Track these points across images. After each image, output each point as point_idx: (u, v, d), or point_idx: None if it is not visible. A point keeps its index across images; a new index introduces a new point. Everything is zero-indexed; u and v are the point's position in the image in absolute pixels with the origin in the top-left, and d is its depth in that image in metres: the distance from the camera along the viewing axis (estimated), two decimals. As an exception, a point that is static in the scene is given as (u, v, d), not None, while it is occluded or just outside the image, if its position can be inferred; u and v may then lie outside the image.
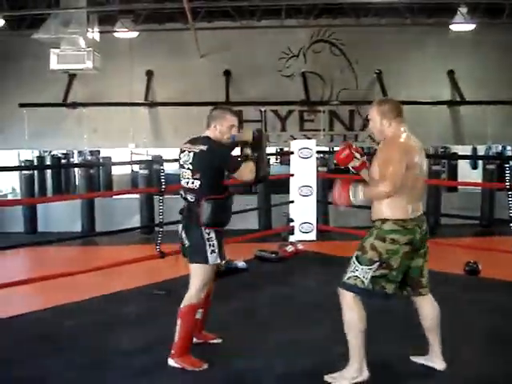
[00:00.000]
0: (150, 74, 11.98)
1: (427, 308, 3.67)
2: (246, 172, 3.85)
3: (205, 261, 3.82)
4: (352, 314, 3.49)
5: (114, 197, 11.84)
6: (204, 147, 3.82)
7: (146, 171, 10.58)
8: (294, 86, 11.98)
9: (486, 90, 11.54)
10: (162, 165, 6.90)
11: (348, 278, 3.48)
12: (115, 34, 11.11)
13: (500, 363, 3.93)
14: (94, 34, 9.66)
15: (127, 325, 4.97)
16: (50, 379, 3.85)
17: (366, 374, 3.53)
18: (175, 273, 6.46)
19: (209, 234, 3.82)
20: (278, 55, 12.01)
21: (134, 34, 11.24)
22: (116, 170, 13.75)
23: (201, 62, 11.92)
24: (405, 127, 3.53)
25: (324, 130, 11.96)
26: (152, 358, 4.17)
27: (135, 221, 10.63)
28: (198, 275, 3.87)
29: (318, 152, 9.27)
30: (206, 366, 3.92)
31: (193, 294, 3.88)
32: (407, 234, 3.42)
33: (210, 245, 3.82)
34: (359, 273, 3.44)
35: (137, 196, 11.01)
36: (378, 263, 3.39)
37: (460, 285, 6.14)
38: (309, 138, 11.25)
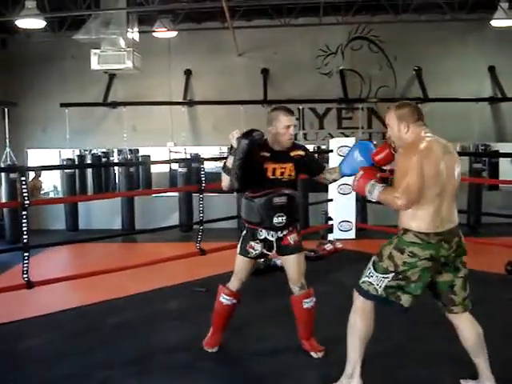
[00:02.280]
0: (188, 73, 12.04)
1: (465, 328, 3.39)
2: (222, 182, 4.00)
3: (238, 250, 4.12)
4: (357, 318, 3.38)
5: (154, 195, 11.99)
6: None
7: (184, 169, 10.67)
8: (332, 83, 11.92)
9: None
10: (202, 163, 6.96)
11: (363, 282, 3.36)
12: (154, 34, 11.19)
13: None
14: (134, 34, 9.77)
15: (168, 321, 5.05)
16: (94, 375, 3.94)
17: (356, 382, 3.42)
18: (214, 270, 6.54)
19: (244, 228, 4.07)
20: (316, 53, 11.94)
21: (173, 34, 11.32)
22: (155, 169, 13.89)
23: (239, 60, 11.95)
24: (427, 131, 3.29)
25: (362, 127, 11.87)
26: (192, 354, 4.23)
27: (174, 219, 10.74)
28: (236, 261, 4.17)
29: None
30: (214, 350, 4.22)
31: (231, 280, 4.20)
32: (429, 249, 3.16)
33: (240, 236, 4.10)
34: (373, 280, 3.29)
35: (176, 194, 11.11)
36: (393, 274, 3.22)
37: (501, 284, 6.07)
38: (347, 136, 11.21)
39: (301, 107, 11.65)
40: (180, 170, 10.77)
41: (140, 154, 13.65)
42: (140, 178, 13.08)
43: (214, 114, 11.87)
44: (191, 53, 11.95)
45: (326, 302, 5.42)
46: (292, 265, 4.07)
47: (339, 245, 7.77)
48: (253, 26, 11.71)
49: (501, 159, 12.38)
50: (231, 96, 11.51)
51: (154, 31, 11.13)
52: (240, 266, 4.10)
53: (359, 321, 3.36)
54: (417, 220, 3.18)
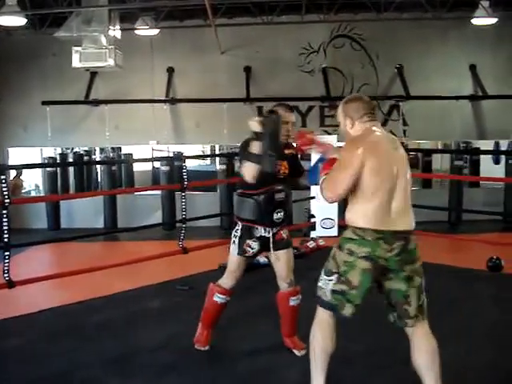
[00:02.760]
0: (170, 70, 12.01)
1: (418, 343, 3.07)
2: (247, 172, 3.70)
3: (229, 250, 4.03)
4: (315, 329, 3.17)
5: (136, 193, 11.95)
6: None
7: (167, 168, 10.65)
8: (315, 81, 11.95)
9: (508, 84, 11.43)
10: (184, 161, 6.94)
11: (317, 287, 3.15)
12: (136, 32, 11.16)
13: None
14: (116, 31, 9.71)
15: (152, 319, 5.04)
16: (77, 374, 3.92)
17: None
18: (197, 268, 6.54)
19: (237, 226, 3.97)
20: (299, 51, 11.96)
21: (155, 32, 11.29)
22: (137, 167, 13.82)
23: (221, 58, 11.93)
24: (376, 126, 3.10)
25: (345, 125, 11.91)
26: (175, 353, 4.22)
27: (157, 217, 10.71)
28: (228, 262, 4.09)
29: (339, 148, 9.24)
30: (206, 348, 4.18)
31: (222, 277, 4.11)
32: (365, 247, 2.93)
33: (234, 235, 3.97)
34: (322, 283, 3.10)
35: (158, 192, 11.09)
36: (336, 275, 3.01)
37: (482, 281, 6.12)
38: (329, 134, 11.24)
39: (283, 105, 11.66)
40: (162, 168, 10.74)
41: (122, 152, 13.58)
42: (122, 176, 13.01)
43: (196, 112, 11.85)
44: (173, 51, 11.93)
45: (308, 299, 5.45)
46: (283, 260, 4.04)
47: (322, 242, 7.79)
48: (235, 23, 11.70)
49: (481, 157, 12.48)
50: (214, 94, 11.51)
51: (135, 29, 11.09)
52: (236, 264, 4.01)
53: (318, 332, 3.16)
54: (355, 215, 3.00)
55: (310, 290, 5.06)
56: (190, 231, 7.04)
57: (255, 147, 3.64)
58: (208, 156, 14.09)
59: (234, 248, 3.97)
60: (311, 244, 7.63)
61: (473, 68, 11.83)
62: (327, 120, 12.13)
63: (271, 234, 3.95)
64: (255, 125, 3.63)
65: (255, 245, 3.93)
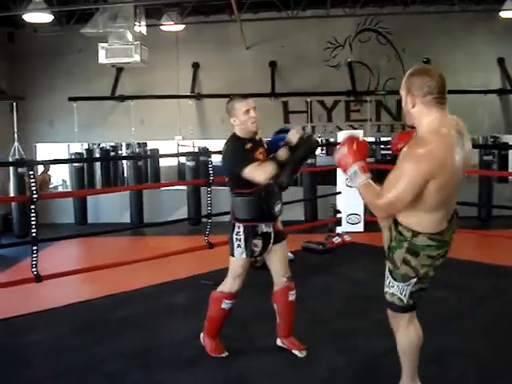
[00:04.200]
0: (196, 66, 12.04)
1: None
2: (258, 172, 3.56)
3: (232, 254, 3.88)
4: (400, 336, 3.06)
5: (162, 188, 12.00)
6: (226, 142, 3.82)
7: (192, 163, 10.67)
8: (340, 76, 11.88)
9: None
10: (210, 156, 6.95)
11: (385, 293, 3.02)
12: (162, 27, 11.18)
13: None
14: (141, 27, 9.76)
15: (176, 314, 5.05)
16: (100, 369, 3.94)
17: None
18: (222, 263, 6.52)
19: (238, 228, 3.80)
20: (324, 45, 11.90)
21: (181, 27, 11.30)
22: (163, 162, 13.90)
23: (246, 53, 11.92)
24: (441, 113, 2.65)
25: (371, 120, 11.83)
26: (199, 349, 4.21)
27: (182, 212, 10.74)
28: (230, 267, 3.95)
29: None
30: (224, 355, 4.02)
31: (224, 284, 3.98)
32: (444, 247, 2.85)
33: (236, 239, 3.81)
34: (395, 290, 2.95)
35: (184, 187, 11.12)
36: (415, 279, 2.88)
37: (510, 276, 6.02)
38: (355, 129, 11.18)
39: (309, 100, 11.64)
40: (188, 163, 10.77)
41: (148, 147, 13.66)
42: (148, 171, 13.09)
43: (221, 107, 11.58)
44: (199, 46, 11.94)
45: (333, 294, 5.43)
46: (280, 253, 3.92)
47: (347, 238, 7.74)
48: (260, 18, 11.68)
49: (510, 151, 12.30)
50: (239, 89, 11.41)
51: (161, 24, 11.12)
52: (242, 268, 3.88)
53: (403, 338, 3.05)
54: (427, 223, 2.77)
55: (334, 286, 5.04)
56: (216, 226, 7.02)
57: (281, 153, 3.56)
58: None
59: (240, 252, 3.82)
60: (337, 240, 7.58)
61: (501, 61, 11.66)
62: (353, 115, 12.05)
63: (272, 227, 3.85)
64: (294, 136, 3.59)
65: (260, 243, 3.82)
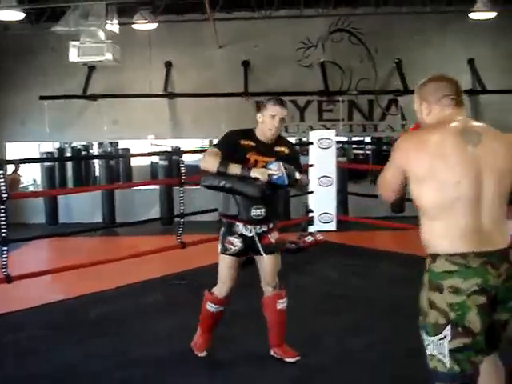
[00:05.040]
0: (168, 65, 11.99)
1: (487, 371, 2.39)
2: (206, 158, 3.61)
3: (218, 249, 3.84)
4: None
5: (134, 188, 11.93)
6: None
7: (165, 162, 10.64)
8: (313, 76, 11.92)
9: (507, 78, 11.42)
10: (182, 156, 6.94)
11: (427, 359, 2.32)
12: (134, 26, 11.11)
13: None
14: (113, 25, 9.67)
15: (149, 314, 5.05)
16: (77, 369, 3.92)
17: None
18: (195, 263, 6.54)
19: (222, 224, 3.81)
20: (297, 45, 11.92)
21: (153, 26, 11.25)
22: (135, 162, 13.81)
23: (219, 52, 11.89)
24: (456, 112, 2.41)
25: (343, 120, 11.90)
26: (173, 347, 4.22)
27: (155, 212, 10.70)
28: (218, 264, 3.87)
29: (338, 142, 9.27)
30: (203, 354, 4.01)
31: (217, 286, 3.88)
32: (471, 277, 2.18)
33: (220, 234, 3.81)
34: (432, 348, 2.26)
35: (156, 187, 11.08)
36: (448, 327, 2.21)
37: None
38: (328, 129, 11.23)
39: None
40: (161, 162, 10.73)
41: (120, 146, 13.56)
42: (120, 171, 13.00)
43: (194, 106, 11.83)
44: (171, 45, 11.88)
45: (306, 293, 5.46)
46: (269, 265, 3.83)
47: (320, 237, 7.79)
48: (233, 17, 11.65)
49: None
50: (212, 88, 11.48)
51: (133, 23, 11.05)
52: (223, 268, 3.79)
53: None
54: (445, 237, 2.25)
55: (307, 285, 5.07)
56: (189, 226, 7.03)
57: (233, 168, 3.48)
58: (206, 150, 14.04)
59: (218, 247, 3.81)
60: (309, 239, 7.63)
61: (471, 62, 11.81)
62: (325, 114, 12.10)
63: (254, 233, 3.72)
64: (262, 174, 3.44)
65: (238, 242, 3.70)
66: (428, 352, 2.29)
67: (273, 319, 3.94)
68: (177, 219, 7.21)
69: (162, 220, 10.37)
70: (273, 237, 3.83)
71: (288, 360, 3.94)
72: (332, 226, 8.66)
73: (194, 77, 11.80)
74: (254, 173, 3.46)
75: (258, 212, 3.65)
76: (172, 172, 10.64)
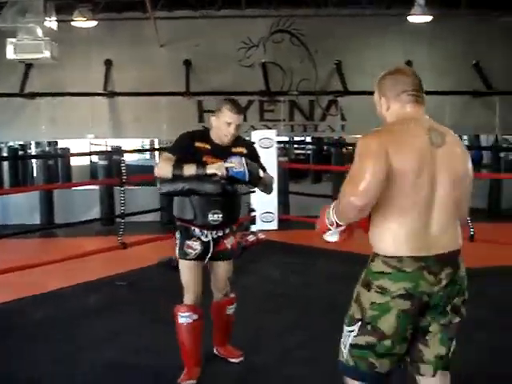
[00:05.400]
0: (108, 63, 11.84)
1: None
2: (160, 164, 3.48)
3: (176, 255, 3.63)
4: None
5: (73, 188, 11.72)
6: None
7: (105, 162, 10.49)
8: (254, 76, 11.99)
9: (444, 80, 11.74)
10: (123, 155, 6.88)
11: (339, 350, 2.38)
12: (73, 24, 10.94)
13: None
14: (52, 23, 9.48)
15: (92, 316, 4.96)
16: (20, 373, 3.83)
17: None
18: (137, 264, 6.48)
19: (177, 227, 3.63)
20: (238, 45, 11.98)
21: (93, 24, 11.10)
22: (74, 162, 13.59)
23: (160, 51, 11.83)
24: (416, 109, 2.32)
25: (284, 120, 12.01)
26: (117, 348, 4.18)
27: (95, 212, 10.54)
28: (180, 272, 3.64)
29: (279, 142, 9.33)
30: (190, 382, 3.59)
31: (184, 293, 3.63)
32: (404, 281, 2.17)
33: (176, 237, 3.62)
34: (342, 339, 2.34)
35: (96, 187, 10.92)
36: (359, 323, 2.25)
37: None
38: (269, 128, 11.30)
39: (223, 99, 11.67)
40: (100, 162, 10.58)
41: (59, 146, 13.31)
42: (59, 171, 12.76)
43: (135, 105, 11.72)
44: (112, 43, 11.76)
45: (248, 292, 5.49)
46: (222, 271, 3.74)
47: (262, 236, 7.80)
48: (175, 16, 11.62)
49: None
50: (153, 87, 11.39)
51: (72, 20, 10.87)
52: (186, 273, 3.57)
53: None
54: (386, 238, 2.22)
55: (249, 284, 5.10)
56: (130, 226, 6.97)
57: (188, 169, 3.35)
58: (148, 150, 13.96)
59: (176, 252, 3.60)
60: (251, 238, 7.60)
61: (409, 64, 12.07)
62: (267, 115, 12.18)
63: (210, 238, 3.56)
64: (219, 169, 3.33)
65: (197, 245, 3.53)
66: (342, 339, 2.34)
67: (220, 323, 3.88)
68: (118, 220, 7.13)
69: (103, 220, 10.23)
70: (229, 242, 3.71)
71: (232, 360, 3.91)
72: (274, 225, 8.71)
73: (135, 75, 11.69)
74: (210, 169, 3.34)
75: (215, 217, 3.49)
76: (112, 172, 10.52)
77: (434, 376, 2.31)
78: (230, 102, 3.48)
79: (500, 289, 5.54)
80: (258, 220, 8.70)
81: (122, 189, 6.68)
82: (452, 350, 2.33)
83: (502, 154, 11.59)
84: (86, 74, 11.62)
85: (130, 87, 11.52)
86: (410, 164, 2.14)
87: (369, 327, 2.21)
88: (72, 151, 12.32)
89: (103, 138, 12.20)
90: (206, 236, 3.56)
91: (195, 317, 3.55)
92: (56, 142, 13.19)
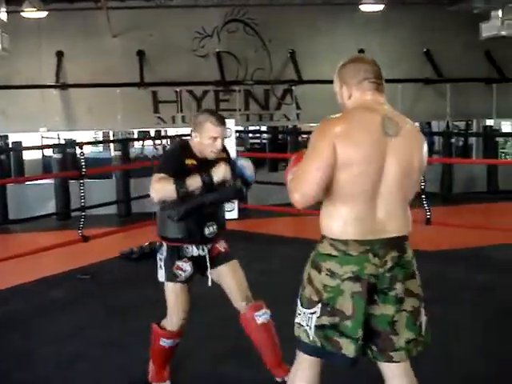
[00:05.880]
0: (60, 54, 11.61)
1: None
2: (156, 186, 3.09)
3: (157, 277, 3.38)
4: (296, 373, 2.45)
5: (27, 183, 11.50)
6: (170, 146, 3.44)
7: (60, 155, 10.32)
8: (209, 65, 11.94)
9: (396, 68, 11.91)
10: (82, 148, 6.79)
11: (294, 325, 2.41)
12: (23, 14, 10.69)
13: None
14: (1, 13, 9.28)
15: (54, 311, 4.92)
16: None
17: None
18: (97, 257, 6.43)
19: (162, 247, 3.35)
20: (193, 35, 11.89)
21: (43, 14, 10.86)
22: (26, 156, 13.33)
23: (113, 42, 11.64)
24: (380, 100, 2.35)
25: (240, 109, 12.01)
26: (81, 342, 4.15)
27: (50, 207, 10.36)
28: (166, 296, 3.37)
29: (235, 132, 9.36)
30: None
31: (166, 318, 3.39)
32: (350, 264, 2.22)
33: (159, 259, 3.34)
34: (301, 318, 2.35)
35: (51, 181, 10.74)
36: (319, 305, 2.28)
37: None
38: (225, 118, 11.28)
39: (178, 90, 11.61)
40: (55, 156, 10.40)
41: (10, 140, 13.03)
42: (11, 165, 12.50)
43: (88, 97, 11.52)
44: (63, 34, 11.50)
45: (212, 282, 5.51)
46: (229, 275, 3.43)
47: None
48: (127, 6, 11.45)
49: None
50: (106, 78, 11.23)
51: (22, 11, 10.62)
52: (172, 298, 3.31)
53: (297, 378, 2.44)
54: (331, 222, 2.28)
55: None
56: (87, 220, 6.89)
57: (192, 182, 3.07)
58: (105, 142, 13.75)
59: (161, 274, 3.32)
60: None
61: (361, 52, 12.21)
62: (222, 104, 12.16)
63: (206, 250, 3.35)
64: (221, 173, 3.14)
65: (187, 266, 3.27)
66: (296, 320, 2.37)
67: (257, 338, 3.43)
68: (74, 214, 7.05)
69: (59, 215, 10.08)
70: (221, 245, 3.47)
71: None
72: (234, 215, 8.74)
73: (88, 67, 11.47)
74: (217, 174, 3.12)
75: (211, 230, 3.29)
76: (67, 165, 10.38)
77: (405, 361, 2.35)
78: (210, 114, 3.29)
79: (458, 269, 5.71)
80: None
81: (82, 181, 6.60)
82: (424, 331, 2.36)
83: (453, 140, 11.92)
84: (37, 65, 11.38)
85: (82, 78, 11.31)
86: (359, 153, 2.18)
87: (329, 308, 2.25)
88: (24, 145, 12.09)
89: (56, 130, 11.97)
90: (203, 250, 3.35)
91: (177, 341, 3.40)
92: (7, 136, 12.91)
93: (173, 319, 3.32)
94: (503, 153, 13.93)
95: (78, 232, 6.52)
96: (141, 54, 11.72)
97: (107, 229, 7.20)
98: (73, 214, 9.42)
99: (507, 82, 12.18)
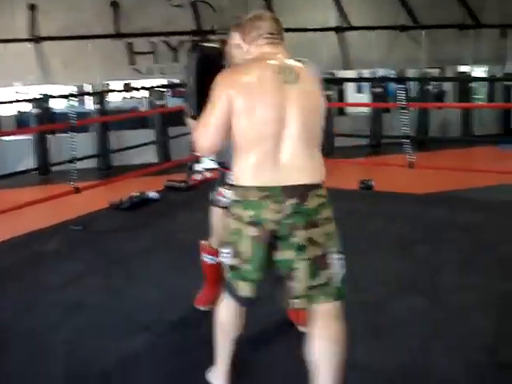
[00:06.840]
0: (32, 8, 11.36)
1: (313, 334, 2.42)
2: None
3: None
4: (217, 310, 2.64)
5: (2, 138, 11.32)
6: None
7: (38, 110, 10.22)
8: (185, 15, 11.81)
9: (371, 16, 11.93)
10: (77, 98, 6.76)
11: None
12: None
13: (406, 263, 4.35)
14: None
15: (50, 262, 4.93)
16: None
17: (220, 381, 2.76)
18: (87, 209, 6.45)
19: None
20: (166, -16, 11.75)
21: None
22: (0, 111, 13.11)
23: (86, -7, 11.45)
24: (273, 51, 2.45)
25: (216, 59, 11.92)
26: (81, 290, 4.20)
27: (28, 163, 10.26)
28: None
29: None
30: (206, 308, 3.56)
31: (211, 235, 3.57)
32: (250, 209, 2.34)
33: (215, 184, 3.48)
34: (221, 257, 2.56)
35: (29, 137, 10.64)
36: (230, 247, 2.45)
37: (358, 199, 6.51)
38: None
39: (154, 40, 11.49)
40: (33, 110, 10.28)
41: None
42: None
43: (63, 50, 11.37)
44: (35, -14, 11.26)
45: (200, 227, 5.60)
46: None
47: (208, 174, 7.91)
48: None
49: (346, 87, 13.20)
50: (81, 31, 11.07)
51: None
52: (215, 219, 3.45)
53: (219, 314, 2.62)
54: (238, 169, 2.39)
55: (200, 218, 5.15)
56: (67, 174, 6.84)
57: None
58: (84, 94, 13.39)
59: (213, 193, 3.46)
60: (198, 177, 7.75)
61: (336, 0, 12.17)
62: (199, 54, 12.05)
63: None
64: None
65: (229, 193, 3.15)
66: (220, 259, 2.56)
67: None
68: (54, 168, 6.99)
69: (39, 170, 10.04)
70: None
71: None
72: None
73: (62, 19, 11.29)
74: None
75: None
76: (44, 120, 10.30)
77: (305, 309, 2.45)
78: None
79: (444, 210, 5.87)
80: (203, 159, 8.74)
81: (73, 134, 6.56)
82: (334, 282, 2.40)
83: (429, 87, 12.08)
84: (9, 19, 11.14)
85: (56, 32, 11.14)
86: (256, 101, 2.28)
87: (234, 251, 2.42)
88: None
89: (31, 85, 11.78)
90: None
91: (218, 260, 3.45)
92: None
93: (215, 239, 3.47)
94: (476, 99, 14.11)
95: (69, 184, 6.46)
96: (115, 4, 11.54)
97: (91, 182, 7.19)
98: (53, 168, 9.44)
99: (481, 27, 12.29)
